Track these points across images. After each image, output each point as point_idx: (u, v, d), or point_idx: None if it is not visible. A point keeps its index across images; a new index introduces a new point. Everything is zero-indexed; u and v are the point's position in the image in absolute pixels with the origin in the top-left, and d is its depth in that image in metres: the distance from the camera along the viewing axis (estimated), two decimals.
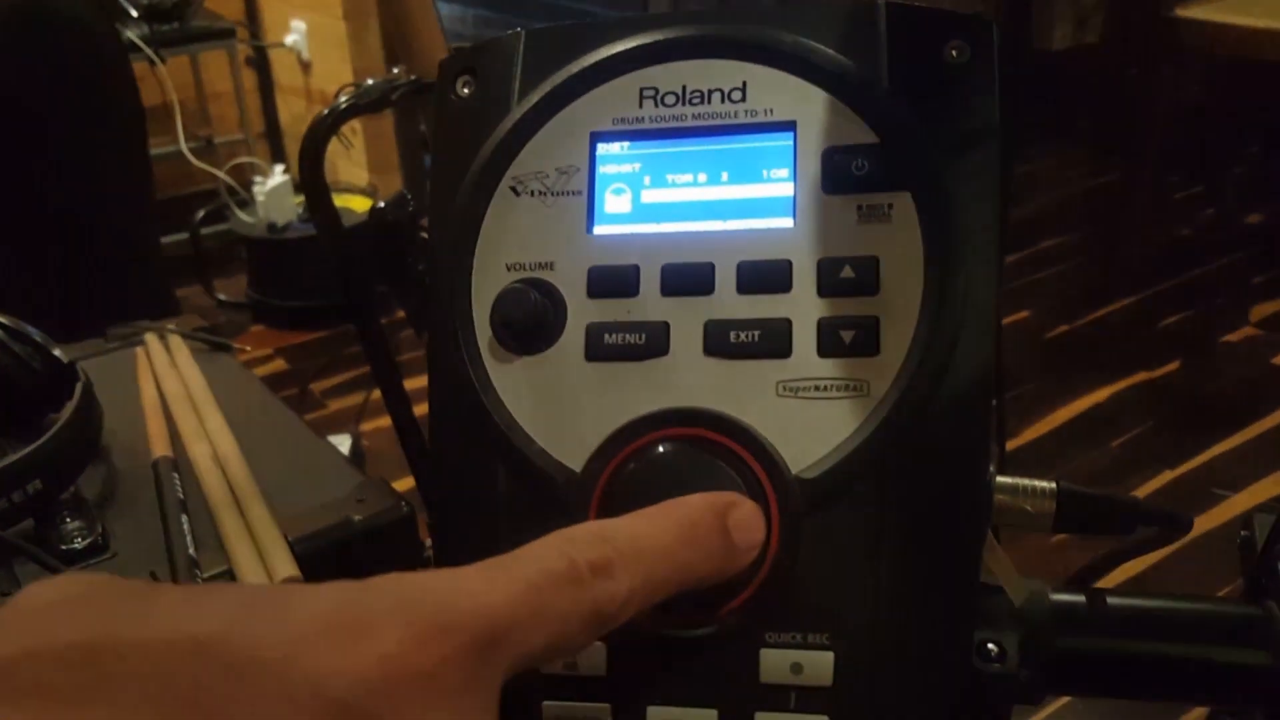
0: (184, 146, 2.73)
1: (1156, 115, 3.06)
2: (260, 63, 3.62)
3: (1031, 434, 2.40)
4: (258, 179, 3.03)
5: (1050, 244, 3.29)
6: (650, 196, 0.37)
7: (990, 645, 0.39)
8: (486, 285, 0.37)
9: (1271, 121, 3.83)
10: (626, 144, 0.38)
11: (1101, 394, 2.56)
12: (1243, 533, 0.47)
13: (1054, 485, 0.39)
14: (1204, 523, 2.02)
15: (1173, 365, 2.68)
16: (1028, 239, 3.27)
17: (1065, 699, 1.67)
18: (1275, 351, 2.72)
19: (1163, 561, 1.87)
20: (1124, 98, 3.70)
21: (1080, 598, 0.42)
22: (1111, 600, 0.42)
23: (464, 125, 0.39)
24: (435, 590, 0.25)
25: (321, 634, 0.22)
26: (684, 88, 0.37)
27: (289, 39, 3.41)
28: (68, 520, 0.67)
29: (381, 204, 0.78)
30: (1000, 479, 0.39)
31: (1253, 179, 3.70)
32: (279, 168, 3.06)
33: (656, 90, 0.37)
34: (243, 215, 3.04)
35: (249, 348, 0.95)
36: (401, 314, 0.78)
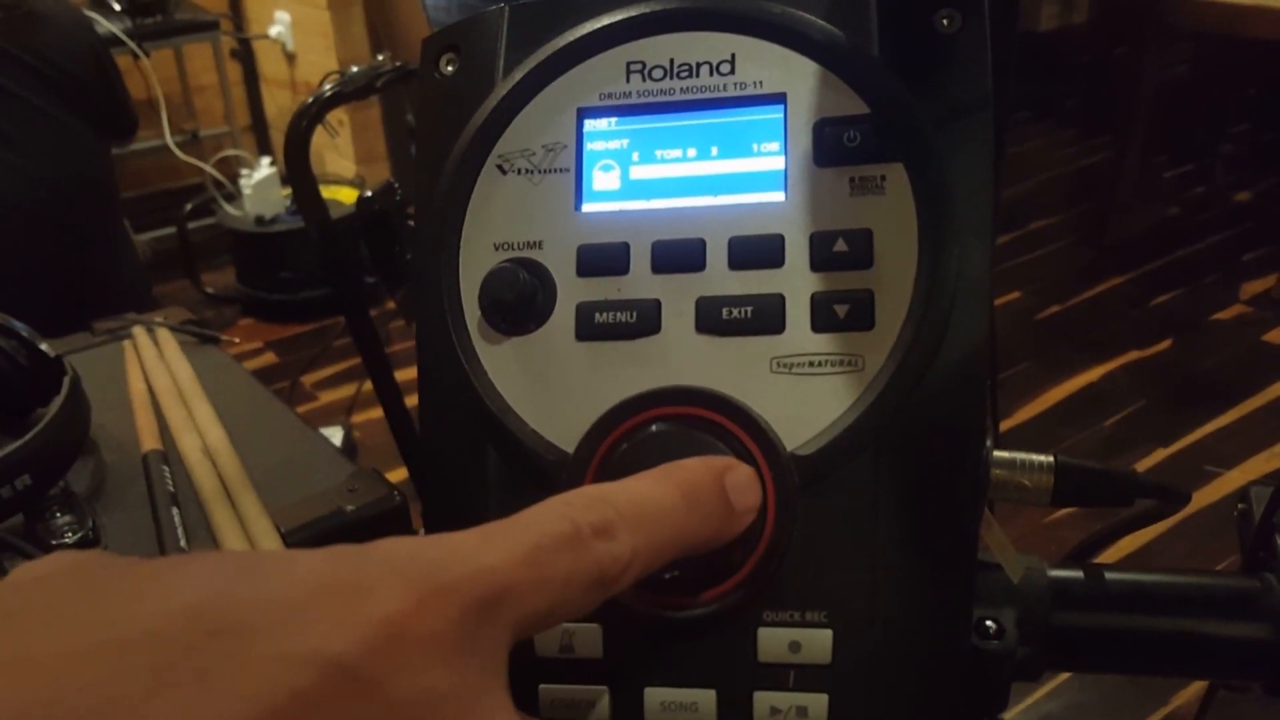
0: (169, 140, 2.71)
1: (1144, 94, 3.07)
2: (245, 55, 3.60)
3: (1024, 415, 2.41)
4: (244, 172, 3.01)
5: (1040, 225, 3.30)
6: (639, 173, 0.37)
7: (988, 622, 0.39)
8: (474, 265, 0.37)
9: (1259, 98, 3.84)
10: (614, 120, 0.37)
11: (1094, 373, 2.56)
12: (1240, 506, 0.47)
13: (1051, 459, 0.39)
14: (1197, 499, 2.00)
15: (1164, 344, 2.69)
16: (1018, 220, 3.27)
17: (1065, 675, 1.67)
18: (1266, 328, 2.72)
19: (1157, 538, 1.89)
20: (1112, 77, 3.70)
21: (1078, 573, 0.42)
22: (1109, 576, 0.42)
23: (448, 103, 0.39)
24: (433, 553, 0.24)
25: (318, 596, 0.22)
26: (671, 61, 0.37)
27: (273, 30, 3.39)
28: (58, 515, 0.67)
29: (369, 194, 0.77)
30: (997, 453, 0.39)
31: (1241, 156, 3.70)
32: (265, 160, 3.05)
33: (644, 64, 0.37)
34: (229, 208, 3.03)
35: (238, 340, 0.95)
36: (391, 304, 0.77)
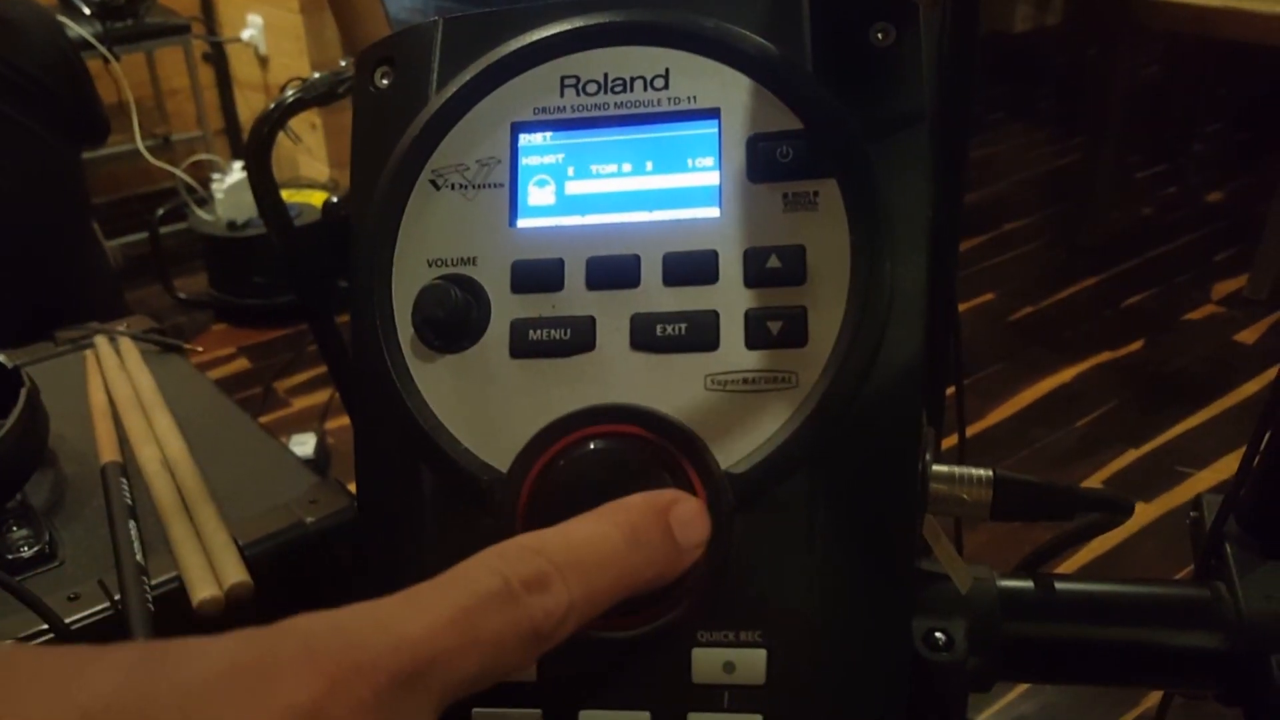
0: (141, 145, 2.68)
1: (1117, 95, 3.08)
2: (217, 58, 3.58)
3: (996, 416, 2.41)
4: (216, 176, 2.99)
5: (1013, 226, 3.31)
6: (574, 188, 0.37)
7: (938, 634, 0.39)
8: (407, 282, 0.36)
9: (1230, 98, 3.87)
10: (549, 134, 0.37)
11: (1066, 374, 2.57)
12: (1192, 514, 0.47)
13: (990, 473, 0.39)
14: (1168, 500, 2.03)
15: (1136, 344, 2.70)
16: (990, 221, 3.28)
17: (1022, 686, 1.68)
18: (1237, 328, 2.74)
19: (1127, 540, 1.89)
20: (1085, 78, 3.72)
21: (1028, 583, 0.42)
22: (1059, 585, 0.42)
23: (382, 117, 0.38)
24: (348, 629, 0.23)
25: (222, 687, 0.21)
26: (606, 75, 0.36)
27: (245, 34, 3.37)
28: (14, 529, 0.66)
29: (334, 199, 0.76)
30: (936, 467, 0.39)
31: (1213, 156, 3.73)
32: (237, 164, 3.03)
33: (578, 79, 0.37)
34: (202, 213, 3.00)
35: (200, 348, 0.93)
36: None
